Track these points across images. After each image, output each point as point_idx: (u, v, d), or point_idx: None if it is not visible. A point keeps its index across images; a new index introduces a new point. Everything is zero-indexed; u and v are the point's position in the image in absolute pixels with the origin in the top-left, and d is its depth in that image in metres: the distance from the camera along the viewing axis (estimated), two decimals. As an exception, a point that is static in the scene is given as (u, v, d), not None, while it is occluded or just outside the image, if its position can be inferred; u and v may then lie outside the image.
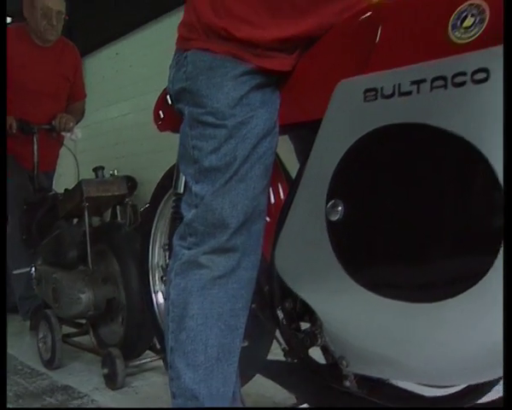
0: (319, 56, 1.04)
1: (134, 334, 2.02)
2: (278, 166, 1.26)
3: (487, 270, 0.76)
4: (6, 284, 2.65)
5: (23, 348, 2.55)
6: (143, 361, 2.09)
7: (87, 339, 2.28)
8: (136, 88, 5.16)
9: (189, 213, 1.15)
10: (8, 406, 1.73)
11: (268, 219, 1.19)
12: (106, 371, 1.96)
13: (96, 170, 2.27)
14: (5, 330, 1.12)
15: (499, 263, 0.75)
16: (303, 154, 1.17)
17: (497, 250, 0.75)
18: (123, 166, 4.85)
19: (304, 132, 1.16)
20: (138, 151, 5.17)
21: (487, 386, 0.94)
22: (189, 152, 1.15)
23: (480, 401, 0.99)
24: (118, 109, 5.61)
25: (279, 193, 1.24)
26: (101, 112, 5.55)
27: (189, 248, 1.15)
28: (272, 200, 1.24)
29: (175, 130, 1.31)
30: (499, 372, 0.80)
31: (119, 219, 2.45)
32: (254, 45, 1.09)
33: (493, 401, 0.96)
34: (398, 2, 0.97)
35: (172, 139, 1.33)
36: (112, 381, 1.94)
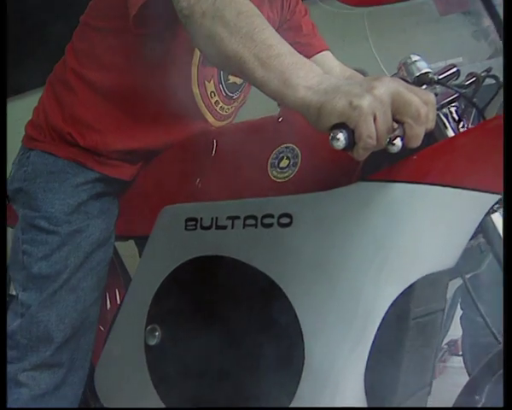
0: (154, 174, 1.07)
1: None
2: (117, 271, 1.24)
3: (292, 396, 0.79)
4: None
5: None
6: None
7: None
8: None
9: (13, 323, 1.09)
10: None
11: (102, 328, 1.16)
12: None
13: None
14: (5, 329, 0.99)
15: (302, 390, 0.78)
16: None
17: (299, 378, 0.78)
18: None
19: (145, 242, 1.16)
20: None
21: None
22: (19, 257, 1.10)
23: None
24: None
25: (116, 300, 1.22)
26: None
27: (9, 363, 1.07)
28: (108, 306, 1.21)
29: (13, 226, 1.26)
30: None
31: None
32: (97, 152, 1.10)
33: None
34: (230, 129, 1.03)
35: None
36: None
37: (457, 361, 2.70)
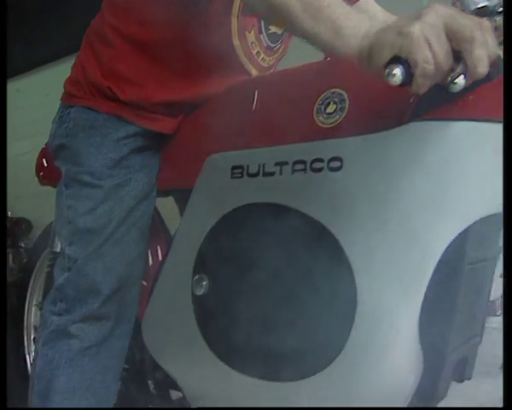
0: (197, 124, 1.05)
1: None
2: (159, 228, 1.24)
3: (340, 350, 0.78)
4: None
5: None
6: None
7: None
8: (36, 126, 4.93)
9: (60, 277, 1.10)
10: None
11: (145, 283, 1.17)
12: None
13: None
14: (5, 330, 1.03)
15: (354, 335, 0.77)
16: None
17: (352, 323, 0.77)
18: (19, 207, 4.57)
19: (186, 196, 1.15)
20: (36, 192, 4.89)
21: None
22: (64, 212, 1.11)
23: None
24: (18, 148, 5.32)
25: (158, 256, 1.22)
26: None
27: (59, 315, 1.09)
28: (151, 262, 1.21)
29: (56, 185, 1.27)
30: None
31: (10, 262, 2.32)
32: (138, 106, 1.09)
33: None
34: (273, 77, 1.00)
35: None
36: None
37: (495, 322, 2.68)
